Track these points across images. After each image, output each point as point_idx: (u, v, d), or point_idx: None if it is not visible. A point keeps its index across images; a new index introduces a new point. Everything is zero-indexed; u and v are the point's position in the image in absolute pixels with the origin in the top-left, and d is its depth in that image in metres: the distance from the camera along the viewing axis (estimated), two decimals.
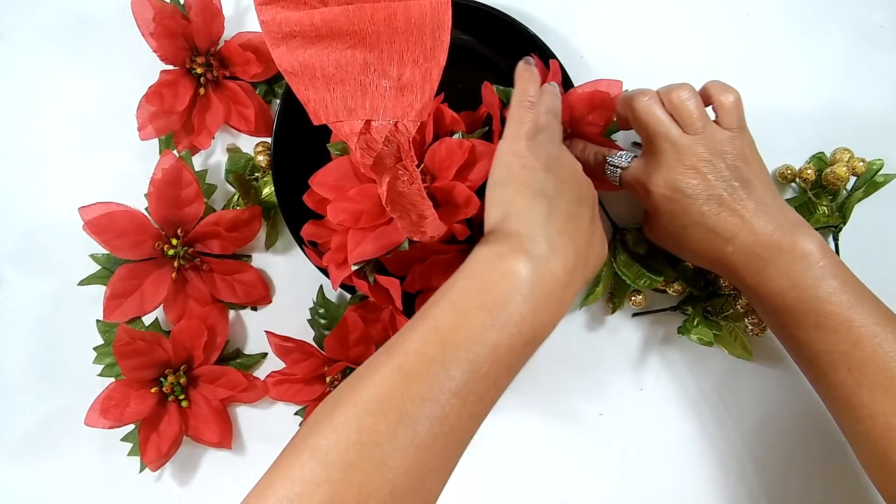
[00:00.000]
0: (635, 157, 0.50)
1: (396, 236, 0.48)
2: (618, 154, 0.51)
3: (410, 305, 0.50)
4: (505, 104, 0.53)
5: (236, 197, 0.57)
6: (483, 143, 0.47)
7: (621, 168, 0.50)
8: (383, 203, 0.43)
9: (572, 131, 0.53)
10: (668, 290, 0.56)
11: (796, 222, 0.46)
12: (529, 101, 0.46)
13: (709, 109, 0.48)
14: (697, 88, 0.49)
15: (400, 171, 0.43)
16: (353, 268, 0.48)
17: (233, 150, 0.58)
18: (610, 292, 0.58)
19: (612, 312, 0.58)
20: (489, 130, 0.51)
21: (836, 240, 0.58)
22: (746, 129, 0.48)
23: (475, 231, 0.49)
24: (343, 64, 0.43)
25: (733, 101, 0.47)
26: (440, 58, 0.43)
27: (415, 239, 0.46)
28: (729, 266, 0.47)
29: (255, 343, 0.60)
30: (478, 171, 0.47)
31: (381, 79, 0.43)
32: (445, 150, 0.47)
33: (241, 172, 0.57)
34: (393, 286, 0.49)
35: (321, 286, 0.58)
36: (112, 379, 0.56)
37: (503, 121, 0.51)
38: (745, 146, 0.47)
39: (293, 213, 0.54)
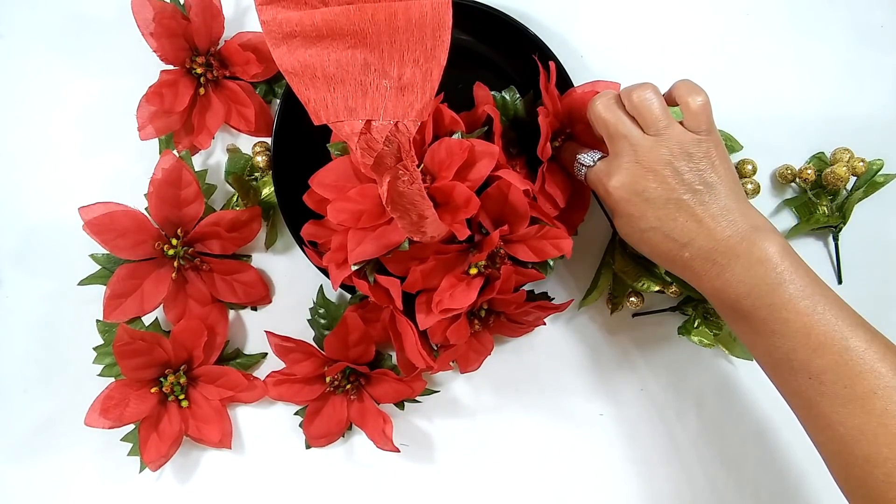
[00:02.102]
0: (603, 157, 0.49)
1: (396, 236, 0.48)
2: (587, 153, 0.49)
3: (410, 305, 0.50)
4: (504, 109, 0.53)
5: (236, 197, 0.57)
6: (483, 143, 0.47)
7: (586, 167, 0.49)
8: (384, 203, 0.43)
9: (570, 132, 0.53)
10: (665, 291, 0.56)
11: (758, 227, 0.44)
12: None
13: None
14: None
15: (400, 171, 0.43)
16: (353, 268, 0.48)
17: (232, 151, 0.58)
18: (610, 293, 0.58)
19: (612, 313, 0.58)
20: (489, 130, 0.51)
21: (836, 240, 0.58)
22: (715, 131, 0.46)
23: (475, 231, 0.49)
24: (343, 64, 0.43)
25: (701, 104, 0.44)
26: (441, 58, 0.43)
27: (415, 239, 0.46)
28: (687, 271, 0.46)
29: (255, 343, 0.60)
30: (477, 171, 0.47)
31: (382, 79, 0.43)
32: (445, 150, 0.47)
33: (240, 173, 0.57)
34: (393, 286, 0.49)
35: (321, 286, 0.58)
36: (112, 379, 0.56)
37: (501, 122, 0.51)
38: (711, 148, 0.45)
39: (293, 213, 0.54)
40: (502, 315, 0.52)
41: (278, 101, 0.56)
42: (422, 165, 0.49)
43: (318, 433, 0.57)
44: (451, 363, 0.53)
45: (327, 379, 0.55)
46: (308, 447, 0.58)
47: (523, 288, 0.51)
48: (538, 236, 0.49)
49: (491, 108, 0.51)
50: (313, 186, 0.49)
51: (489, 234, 0.49)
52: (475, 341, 0.53)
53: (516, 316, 0.52)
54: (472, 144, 0.47)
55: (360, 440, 0.59)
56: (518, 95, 0.54)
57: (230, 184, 0.57)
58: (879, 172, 0.57)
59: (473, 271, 0.49)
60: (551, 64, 0.51)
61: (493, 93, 0.53)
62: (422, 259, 0.49)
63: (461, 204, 0.47)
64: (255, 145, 0.58)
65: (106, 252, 0.55)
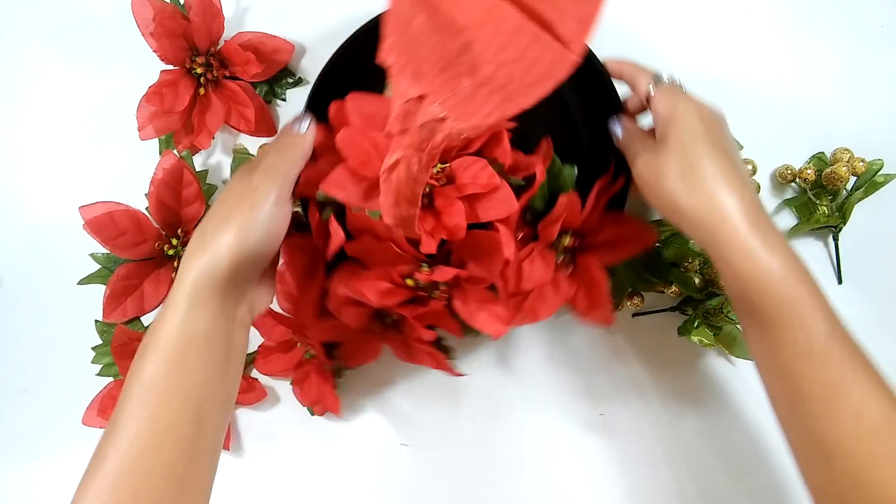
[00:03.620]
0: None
1: (375, 201, 0.44)
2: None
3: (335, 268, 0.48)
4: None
5: None
6: (508, 193, 0.45)
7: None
8: (382, 171, 0.41)
9: (590, 242, 0.52)
10: (665, 291, 0.56)
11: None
12: None
13: None
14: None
15: (416, 159, 0.41)
16: (320, 196, 0.45)
17: (239, 151, 0.58)
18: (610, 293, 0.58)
19: (612, 313, 0.58)
20: (526, 185, 0.48)
21: (835, 240, 0.58)
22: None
23: (439, 255, 0.48)
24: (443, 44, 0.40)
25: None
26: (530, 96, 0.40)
27: (386, 222, 0.44)
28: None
29: (254, 344, 0.60)
30: (485, 210, 0.45)
31: (469, 74, 0.40)
32: (474, 172, 0.45)
33: None
34: (337, 237, 0.46)
35: None
36: (110, 379, 0.56)
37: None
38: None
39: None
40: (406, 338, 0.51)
41: (281, 101, 0.56)
42: (448, 165, 0.46)
43: (310, 400, 0.56)
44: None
45: (298, 345, 0.54)
46: (312, 414, 0.57)
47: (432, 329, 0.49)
48: (484, 300, 0.48)
49: (541, 171, 0.48)
50: (349, 102, 0.45)
51: (449, 265, 0.47)
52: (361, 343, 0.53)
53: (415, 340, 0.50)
54: (498, 185, 0.45)
55: (359, 440, 0.59)
56: (575, 173, 0.50)
57: None
58: (879, 172, 0.57)
59: (411, 283, 0.47)
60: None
61: (555, 155, 0.50)
62: (378, 238, 0.47)
63: (449, 225, 0.45)
64: (260, 147, 0.58)
65: (106, 252, 0.55)
